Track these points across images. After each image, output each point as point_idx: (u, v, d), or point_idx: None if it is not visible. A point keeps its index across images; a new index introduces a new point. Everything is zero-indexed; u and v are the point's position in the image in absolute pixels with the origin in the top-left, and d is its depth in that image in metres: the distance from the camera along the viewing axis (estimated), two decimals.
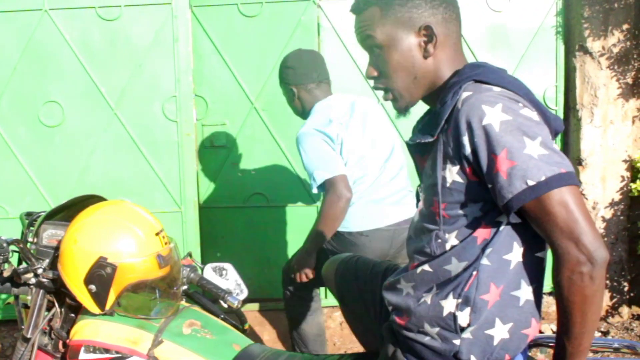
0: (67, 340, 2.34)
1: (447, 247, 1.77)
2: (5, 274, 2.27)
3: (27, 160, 5.00)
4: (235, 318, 2.59)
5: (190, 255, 2.65)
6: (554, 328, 4.89)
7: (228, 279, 2.63)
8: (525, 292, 1.74)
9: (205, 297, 2.61)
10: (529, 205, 1.59)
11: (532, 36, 5.16)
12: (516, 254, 1.72)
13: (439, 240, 1.78)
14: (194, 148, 5.05)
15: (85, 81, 4.92)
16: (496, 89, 1.68)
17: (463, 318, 1.74)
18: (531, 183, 1.56)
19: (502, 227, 1.71)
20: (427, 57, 1.82)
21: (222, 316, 2.54)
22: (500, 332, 1.73)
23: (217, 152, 5.30)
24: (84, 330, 2.28)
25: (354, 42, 5.01)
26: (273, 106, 5.14)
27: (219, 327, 2.42)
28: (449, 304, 1.75)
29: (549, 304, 5.30)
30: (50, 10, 4.86)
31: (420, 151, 1.87)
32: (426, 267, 1.81)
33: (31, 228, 2.54)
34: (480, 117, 1.61)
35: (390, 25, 1.80)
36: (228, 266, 2.65)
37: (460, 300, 1.74)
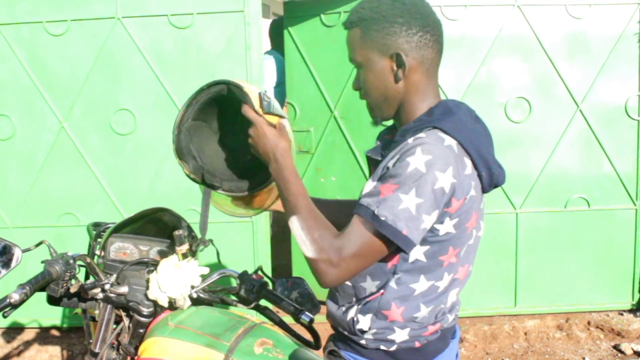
0: (135, 357, 2.29)
1: None
2: (73, 289, 2.22)
3: (98, 168, 5.01)
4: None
5: (260, 269, 2.56)
6: (634, 347, 4.75)
7: (300, 294, 2.55)
8: (423, 313, 1.92)
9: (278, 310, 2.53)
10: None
11: (614, 44, 5.02)
12: (422, 284, 1.89)
13: None
14: None
15: (157, 89, 4.91)
16: (448, 141, 1.79)
17: (364, 322, 1.94)
18: (375, 210, 1.74)
19: (411, 258, 1.86)
20: (398, 81, 1.94)
21: (294, 333, 2.46)
22: (400, 335, 1.93)
23: (302, 158, 5.38)
24: (153, 348, 2.21)
25: None
26: (350, 114, 5.12)
27: (291, 347, 2.32)
28: (353, 310, 1.96)
29: (629, 322, 5.13)
30: (122, 18, 4.86)
31: (373, 164, 2.05)
32: (348, 281, 1.98)
33: (98, 240, 2.50)
34: (411, 154, 1.75)
35: (368, 48, 1.95)
36: (300, 280, 2.57)
37: (360, 307, 1.94)
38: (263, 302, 2.46)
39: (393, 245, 1.75)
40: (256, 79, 4.85)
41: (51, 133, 4.98)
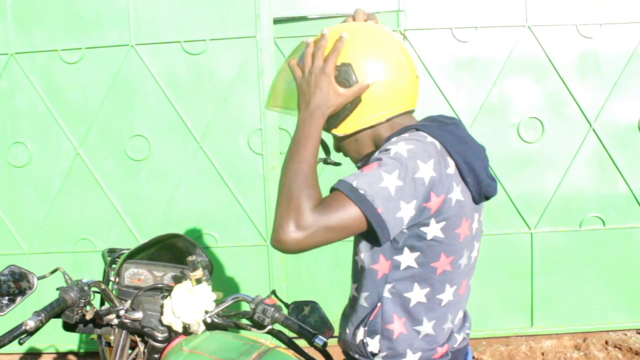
0: None
1: (360, 276, 1.95)
2: (88, 316, 2.23)
3: (113, 194, 5.05)
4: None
5: (274, 293, 2.57)
6: None
7: (314, 318, 2.55)
8: (426, 328, 1.89)
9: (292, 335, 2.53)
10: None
11: (625, 62, 5.02)
12: (417, 294, 1.87)
13: (359, 267, 1.95)
14: None
15: (171, 115, 4.95)
16: (431, 139, 1.79)
17: (373, 345, 1.92)
18: (353, 182, 1.70)
19: (402, 265, 1.84)
20: None
21: (308, 357, 2.46)
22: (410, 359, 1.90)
23: None
24: None
25: (440, 72, 4.98)
26: None
27: None
28: (360, 333, 1.93)
29: None
30: (136, 45, 4.91)
31: None
32: (354, 292, 2.01)
33: (113, 266, 2.52)
34: (393, 144, 1.76)
35: None
36: (314, 304, 2.58)
37: (367, 329, 1.92)
38: (277, 326, 2.47)
39: (364, 224, 1.71)
40: None
41: (67, 159, 5.03)
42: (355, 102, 1.87)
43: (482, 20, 4.99)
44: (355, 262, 1.98)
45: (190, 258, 2.28)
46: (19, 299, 2.16)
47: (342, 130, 1.92)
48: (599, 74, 5.05)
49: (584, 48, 5.02)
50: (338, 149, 2.04)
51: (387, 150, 1.75)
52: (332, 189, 1.75)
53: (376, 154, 1.77)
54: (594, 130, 5.06)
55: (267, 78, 4.87)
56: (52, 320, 2.13)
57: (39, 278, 2.21)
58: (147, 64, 4.93)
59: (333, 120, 1.91)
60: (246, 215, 5.02)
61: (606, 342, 5.19)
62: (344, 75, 1.86)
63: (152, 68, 4.93)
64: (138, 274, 2.42)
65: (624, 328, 5.30)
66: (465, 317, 2.05)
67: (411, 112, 1.99)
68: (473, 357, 4.97)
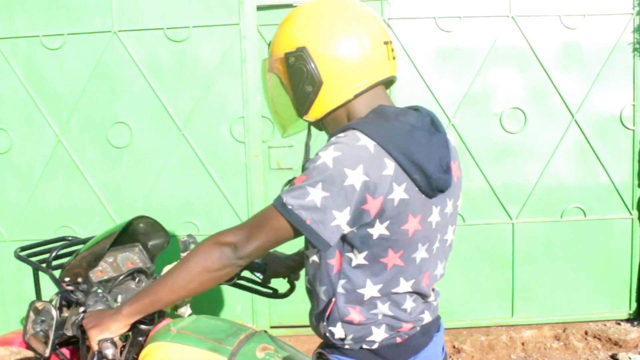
0: None
1: (315, 269, 1.95)
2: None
3: (95, 181, 5.01)
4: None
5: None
6: (632, 356, 4.75)
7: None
8: (384, 309, 1.89)
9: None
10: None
11: (608, 54, 5.04)
12: (370, 289, 1.87)
13: (311, 261, 1.96)
14: (261, 169, 5.00)
15: (153, 102, 4.93)
16: (363, 142, 1.76)
17: (338, 332, 1.92)
18: (284, 198, 1.76)
19: (353, 262, 1.85)
20: None
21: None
22: (378, 335, 1.91)
23: (283, 175, 5.21)
24: (155, 353, 2.20)
25: (423, 61, 4.98)
26: None
27: (292, 352, 2.31)
28: (322, 326, 1.95)
29: (627, 331, 5.13)
30: (119, 32, 4.88)
31: None
32: (308, 284, 2.02)
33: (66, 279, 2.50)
34: (324, 149, 1.76)
35: None
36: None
37: (327, 322, 1.92)
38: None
39: (293, 234, 1.80)
40: (252, 92, 4.87)
41: (48, 146, 4.99)
42: (317, 85, 1.86)
43: (466, 9, 4.99)
44: (306, 256, 1.98)
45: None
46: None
47: (312, 115, 1.93)
48: (582, 65, 5.07)
49: (567, 39, 5.04)
50: (318, 128, 2.03)
51: (317, 157, 1.76)
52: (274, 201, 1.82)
53: (306, 164, 1.80)
54: (576, 121, 5.09)
55: (250, 66, 4.86)
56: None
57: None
58: (129, 51, 4.89)
59: (300, 107, 1.92)
60: (228, 203, 5.00)
61: (586, 333, 5.22)
62: (299, 62, 1.88)
63: (135, 55, 4.90)
64: (97, 268, 2.45)
65: (604, 319, 5.34)
66: (429, 289, 2.01)
67: (388, 82, 1.96)
68: (454, 346, 4.99)
